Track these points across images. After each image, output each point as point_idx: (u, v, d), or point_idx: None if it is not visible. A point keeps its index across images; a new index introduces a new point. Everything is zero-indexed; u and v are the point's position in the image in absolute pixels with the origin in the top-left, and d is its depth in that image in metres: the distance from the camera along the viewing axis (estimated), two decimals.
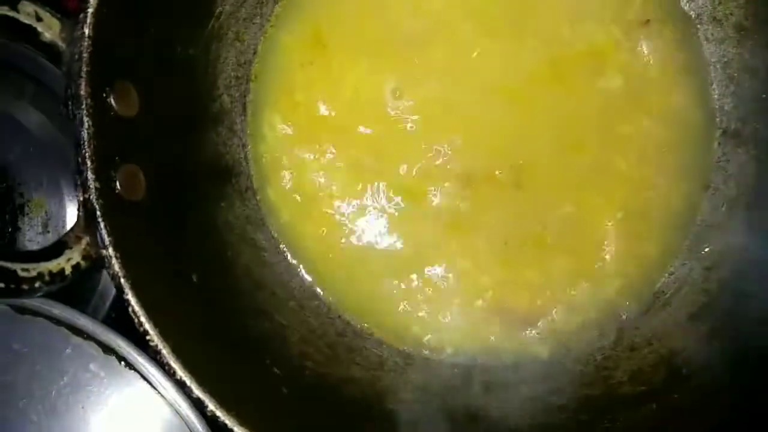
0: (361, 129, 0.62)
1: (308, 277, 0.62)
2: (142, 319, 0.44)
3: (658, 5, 0.62)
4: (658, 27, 0.61)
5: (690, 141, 0.62)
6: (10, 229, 0.69)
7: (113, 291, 0.65)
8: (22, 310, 0.57)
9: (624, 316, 0.61)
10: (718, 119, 0.62)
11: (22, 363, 0.57)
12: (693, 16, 0.62)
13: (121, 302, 0.63)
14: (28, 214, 0.70)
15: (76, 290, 0.61)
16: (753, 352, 0.54)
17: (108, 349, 0.57)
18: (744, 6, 0.59)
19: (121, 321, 0.62)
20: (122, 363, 0.57)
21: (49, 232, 0.70)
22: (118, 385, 0.57)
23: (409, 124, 0.62)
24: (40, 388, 0.57)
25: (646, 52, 0.61)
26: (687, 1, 0.62)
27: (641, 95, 0.61)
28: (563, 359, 0.60)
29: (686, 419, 0.53)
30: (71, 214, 0.69)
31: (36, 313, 0.57)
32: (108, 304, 0.66)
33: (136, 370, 0.57)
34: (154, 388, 0.57)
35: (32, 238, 0.70)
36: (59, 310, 0.57)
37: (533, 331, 0.60)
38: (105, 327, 0.58)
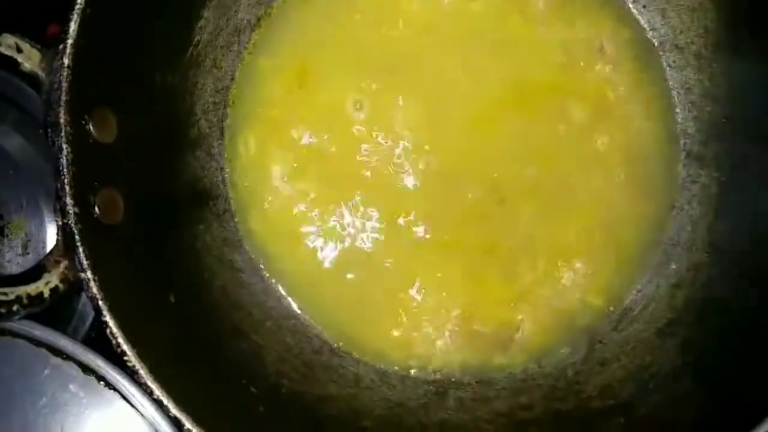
0: (338, 152, 0.63)
1: (285, 297, 0.63)
2: (120, 340, 0.44)
3: (624, 34, 0.64)
4: (622, 54, 0.64)
5: (656, 163, 0.64)
6: None
7: (93, 312, 0.65)
8: (2, 331, 0.57)
9: (594, 333, 0.62)
10: (682, 142, 0.64)
11: (1, 384, 0.57)
12: (656, 44, 0.64)
13: (101, 323, 0.65)
14: (7, 235, 0.70)
15: (55, 311, 0.61)
16: (718, 367, 0.56)
17: (88, 370, 0.57)
18: (704, 35, 0.62)
19: (100, 341, 0.62)
20: (102, 383, 0.57)
21: (29, 253, 0.70)
22: (98, 405, 0.57)
23: (386, 146, 0.63)
24: (19, 409, 0.58)
25: (612, 78, 0.63)
26: (650, 30, 0.64)
27: (607, 118, 0.63)
28: (536, 375, 0.62)
29: None
30: (51, 236, 0.70)
31: (15, 334, 0.57)
32: (87, 324, 0.66)
33: (115, 389, 0.57)
34: (134, 407, 0.57)
35: (11, 259, 0.70)
36: (39, 331, 0.58)
37: (506, 350, 0.62)
38: (85, 347, 0.58)
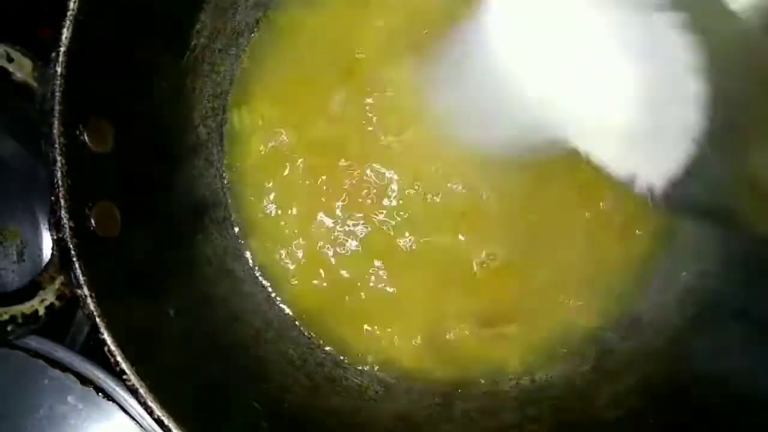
0: (342, 159, 0.62)
1: (287, 308, 0.62)
2: (119, 358, 0.43)
3: None
4: None
5: None
6: None
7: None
8: None
9: (602, 342, 0.61)
10: None
11: None
12: None
13: (98, 340, 0.64)
14: (2, 243, 0.69)
15: (52, 321, 0.60)
16: (732, 376, 0.54)
17: (86, 381, 0.57)
18: None
19: (99, 351, 0.62)
20: (100, 394, 0.57)
21: (24, 260, 0.69)
22: (97, 416, 0.57)
23: (388, 157, 0.61)
24: (16, 421, 0.57)
25: None
26: None
27: None
28: (543, 385, 0.61)
29: None
30: (47, 243, 0.69)
31: (12, 346, 0.57)
32: (85, 333, 0.65)
33: (114, 401, 0.57)
34: (133, 419, 0.56)
35: (7, 266, 0.69)
36: (36, 343, 0.57)
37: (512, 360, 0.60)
38: (82, 358, 0.58)
